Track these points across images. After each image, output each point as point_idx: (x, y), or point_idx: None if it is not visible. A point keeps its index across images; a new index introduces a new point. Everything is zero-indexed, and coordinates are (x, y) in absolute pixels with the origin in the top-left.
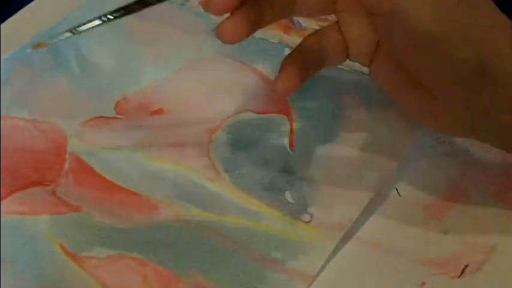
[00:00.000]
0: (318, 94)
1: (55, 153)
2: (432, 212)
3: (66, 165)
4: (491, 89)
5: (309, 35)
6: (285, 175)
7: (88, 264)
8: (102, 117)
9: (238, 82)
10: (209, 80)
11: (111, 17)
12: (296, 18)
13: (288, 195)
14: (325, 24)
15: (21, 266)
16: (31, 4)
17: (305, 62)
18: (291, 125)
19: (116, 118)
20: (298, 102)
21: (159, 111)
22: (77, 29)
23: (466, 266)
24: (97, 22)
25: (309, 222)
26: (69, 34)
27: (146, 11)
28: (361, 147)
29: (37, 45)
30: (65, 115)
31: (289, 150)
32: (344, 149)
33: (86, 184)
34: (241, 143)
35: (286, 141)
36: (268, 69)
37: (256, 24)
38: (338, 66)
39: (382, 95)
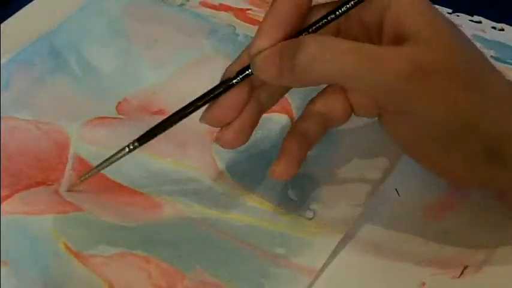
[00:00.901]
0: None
1: (58, 153)
2: (432, 213)
3: (69, 165)
4: (506, 173)
5: (313, 102)
6: None
7: (92, 263)
8: (104, 117)
9: None
10: (209, 80)
11: (137, 145)
12: None
13: (291, 193)
14: None
15: (25, 266)
16: (31, 4)
17: (309, 135)
18: (293, 123)
19: (117, 118)
20: (298, 101)
21: (160, 112)
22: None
23: (466, 266)
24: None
25: (311, 218)
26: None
27: (145, 13)
28: (362, 146)
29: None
30: (67, 116)
31: None
32: (345, 147)
33: (88, 184)
34: None
35: None
36: None
37: (257, 122)
38: None
39: None
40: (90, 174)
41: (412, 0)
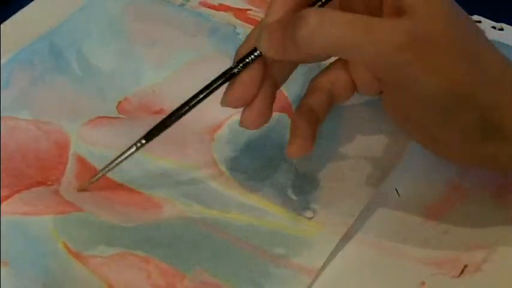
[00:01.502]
0: None
1: (58, 153)
2: (431, 213)
3: (69, 165)
4: (497, 143)
5: (317, 78)
6: (286, 172)
7: (92, 263)
8: (104, 117)
9: None
10: (209, 79)
11: (144, 142)
12: None
13: (291, 192)
14: None
15: (25, 266)
16: (31, 4)
17: (316, 111)
18: None
19: (117, 118)
20: (299, 100)
21: (161, 111)
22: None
23: (466, 266)
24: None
25: (311, 218)
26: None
27: (146, 13)
28: (362, 145)
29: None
30: (67, 115)
31: None
32: (345, 146)
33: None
34: (243, 141)
35: (287, 138)
36: None
37: (273, 98)
38: None
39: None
40: (101, 174)
41: None
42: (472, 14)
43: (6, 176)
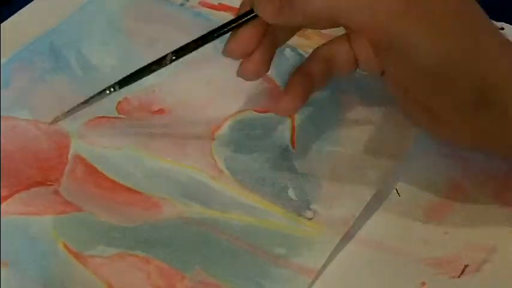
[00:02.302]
0: (319, 92)
1: (58, 153)
2: (432, 213)
3: (69, 165)
4: (488, 116)
5: (319, 47)
6: (286, 172)
7: (92, 263)
8: (104, 117)
9: (239, 81)
10: (209, 79)
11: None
12: None
13: (291, 193)
14: None
15: (25, 266)
16: (31, 4)
17: (313, 75)
18: (292, 122)
19: (117, 118)
20: None
21: (160, 111)
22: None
23: (466, 266)
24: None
25: (311, 218)
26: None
27: (145, 11)
28: (362, 145)
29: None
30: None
31: (291, 148)
32: (345, 146)
33: (88, 184)
34: (243, 141)
35: (287, 139)
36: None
37: (272, 54)
38: None
39: (383, 93)
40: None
41: None
42: None
43: (6, 176)
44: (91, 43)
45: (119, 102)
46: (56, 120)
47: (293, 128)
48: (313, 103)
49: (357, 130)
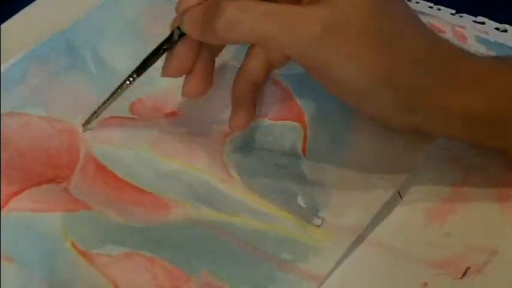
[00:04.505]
0: (331, 102)
1: (69, 151)
2: (434, 215)
3: (80, 163)
4: (418, 117)
5: (252, 49)
6: (296, 180)
7: (99, 262)
8: (116, 116)
9: None
10: (223, 84)
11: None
12: None
13: (300, 200)
14: None
15: (32, 263)
16: (32, 5)
17: (254, 82)
18: (304, 131)
19: (130, 118)
20: (312, 110)
21: (173, 114)
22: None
23: (468, 267)
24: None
25: (320, 226)
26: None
27: (162, 13)
28: (373, 155)
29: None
30: (80, 114)
31: (301, 156)
32: (355, 156)
33: (98, 182)
34: (254, 147)
35: (299, 147)
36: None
37: (212, 66)
38: None
39: None
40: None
41: None
42: (475, 16)
43: (17, 172)
44: (107, 43)
45: (133, 103)
46: (87, 122)
47: (305, 136)
48: (326, 113)
49: (368, 140)
